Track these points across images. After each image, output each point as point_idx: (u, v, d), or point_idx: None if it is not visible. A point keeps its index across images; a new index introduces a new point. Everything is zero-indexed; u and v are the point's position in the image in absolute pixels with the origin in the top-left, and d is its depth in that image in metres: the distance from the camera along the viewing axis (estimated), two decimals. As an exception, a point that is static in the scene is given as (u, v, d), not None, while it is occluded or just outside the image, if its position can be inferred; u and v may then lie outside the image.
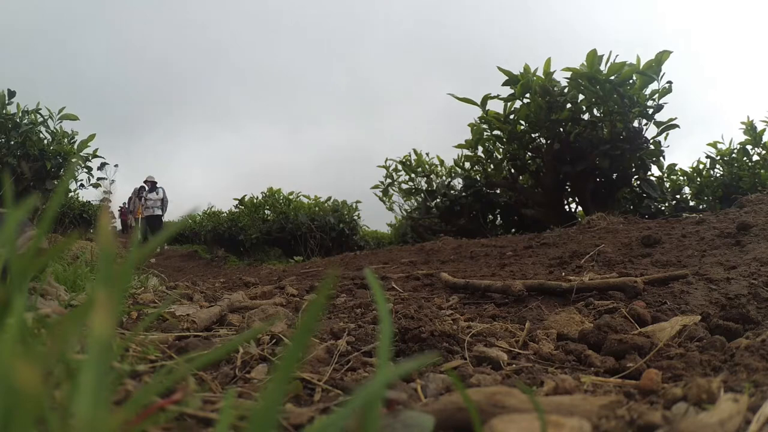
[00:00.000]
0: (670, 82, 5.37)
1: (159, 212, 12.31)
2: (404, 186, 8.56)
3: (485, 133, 6.81)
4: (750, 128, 6.97)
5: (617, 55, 5.39)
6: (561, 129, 5.92)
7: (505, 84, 6.02)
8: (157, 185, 12.75)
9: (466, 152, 7.39)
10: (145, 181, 12.84)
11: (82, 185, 8.58)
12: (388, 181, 8.71)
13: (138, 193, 12.84)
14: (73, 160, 7.97)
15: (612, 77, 5.35)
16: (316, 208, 10.51)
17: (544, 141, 6.23)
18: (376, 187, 8.87)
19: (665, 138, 5.83)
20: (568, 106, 5.85)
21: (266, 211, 10.95)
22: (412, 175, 8.39)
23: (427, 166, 8.35)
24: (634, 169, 6.05)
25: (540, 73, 5.87)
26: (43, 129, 7.73)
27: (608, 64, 5.37)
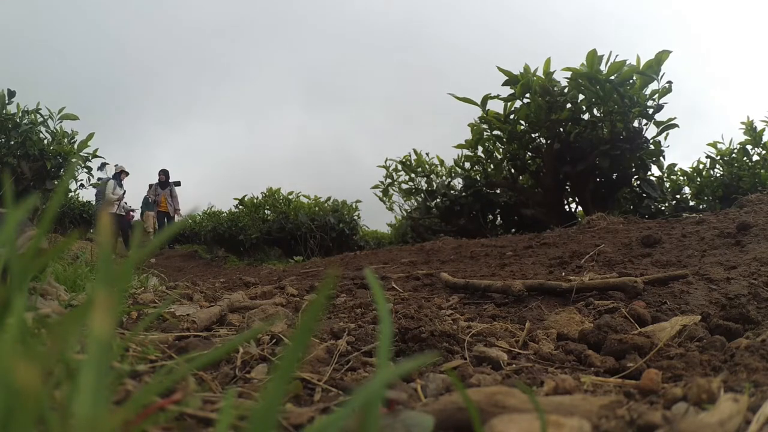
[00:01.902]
0: (670, 82, 5.38)
1: (122, 212, 10.82)
2: (404, 186, 8.55)
3: (485, 133, 6.81)
4: (750, 128, 6.96)
5: (617, 55, 5.40)
6: (561, 129, 5.92)
7: (505, 84, 6.02)
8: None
9: (466, 152, 7.39)
10: (122, 172, 10.75)
11: (82, 185, 8.58)
12: (388, 181, 8.71)
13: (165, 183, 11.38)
14: (73, 160, 7.97)
15: (612, 77, 5.35)
16: (316, 208, 10.51)
17: (544, 141, 6.23)
18: (376, 187, 8.87)
19: (665, 138, 5.83)
20: (568, 106, 5.85)
21: (266, 211, 10.94)
22: (412, 175, 8.39)
23: (427, 166, 8.35)
24: (634, 169, 6.04)
25: (540, 73, 5.87)
26: (43, 129, 7.73)
27: (608, 64, 5.37)
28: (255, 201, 11.10)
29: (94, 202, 11.22)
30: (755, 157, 6.90)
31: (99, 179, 9.63)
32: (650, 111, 5.50)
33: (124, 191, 10.76)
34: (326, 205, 10.58)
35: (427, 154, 8.42)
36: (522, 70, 5.89)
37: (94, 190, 10.90)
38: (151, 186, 11.90)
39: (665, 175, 7.28)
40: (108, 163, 10.81)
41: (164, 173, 11.88)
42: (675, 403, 0.70)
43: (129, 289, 1.90)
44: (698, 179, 7.28)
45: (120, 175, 10.76)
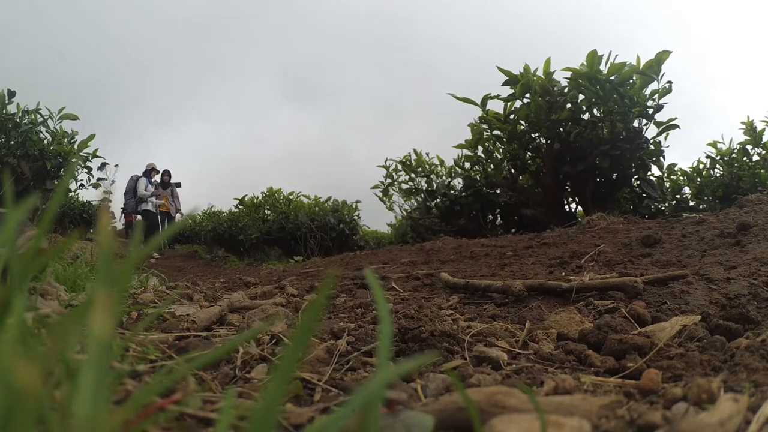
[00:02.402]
0: (670, 82, 5.38)
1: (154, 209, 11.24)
2: (404, 186, 8.55)
3: (485, 133, 6.81)
4: (750, 128, 6.96)
5: (617, 55, 5.40)
6: (561, 129, 5.92)
7: (505, 84, 6.02)
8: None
9: (466, 152, 7.39)
10: (153, 170, 11.33)
11: (82, 185, 8.57)
12: (388, 181, 8.71)
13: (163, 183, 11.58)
14: (73, 160, 7.97)
15: (612, 77, 5.35)
16: (316, 208, 10.51)
17: (544, 141, 6.23)
18: (376, 187, 8.87)
19: (665, 138, 5.83)
20: (568, 106, 5.85)
21: (266, 211, 10.94)
22: (412, 175, 8.38)
23: (427, 166, 8.34)
24: (634, 169, 6.04)
25: (540, 73, 5.87)
26: (43, 129, 7.73)
27: (608, 64, 5.37)
28: (255, 201, 11.10)
29: (123, 201, 11.46)
30: (755, 157, 6.90)
31: (99, 179, 9.67)
32: (650, 111, 5.50)
33: (155, 188, 11.20)
34: (326, 205, 10.58)
35: (427, 154, 8.43)
36: (522, 70, 5.89)
37: (121, 188, 11.24)
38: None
39: (665, 175, 7.27)
40: (108, 163, 10.85)
41: (167, 173, 11.99)
42: (675, 403, 0.70)
43: (129, 289, 1.90)
44: (698, 179, 7.28)
45: (150, 173, 11.21)
